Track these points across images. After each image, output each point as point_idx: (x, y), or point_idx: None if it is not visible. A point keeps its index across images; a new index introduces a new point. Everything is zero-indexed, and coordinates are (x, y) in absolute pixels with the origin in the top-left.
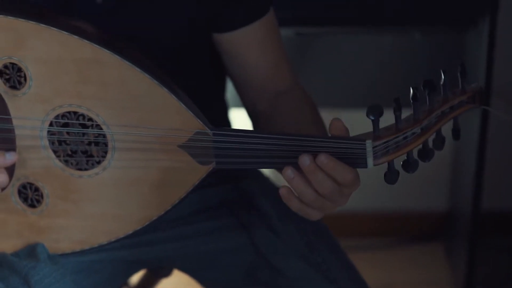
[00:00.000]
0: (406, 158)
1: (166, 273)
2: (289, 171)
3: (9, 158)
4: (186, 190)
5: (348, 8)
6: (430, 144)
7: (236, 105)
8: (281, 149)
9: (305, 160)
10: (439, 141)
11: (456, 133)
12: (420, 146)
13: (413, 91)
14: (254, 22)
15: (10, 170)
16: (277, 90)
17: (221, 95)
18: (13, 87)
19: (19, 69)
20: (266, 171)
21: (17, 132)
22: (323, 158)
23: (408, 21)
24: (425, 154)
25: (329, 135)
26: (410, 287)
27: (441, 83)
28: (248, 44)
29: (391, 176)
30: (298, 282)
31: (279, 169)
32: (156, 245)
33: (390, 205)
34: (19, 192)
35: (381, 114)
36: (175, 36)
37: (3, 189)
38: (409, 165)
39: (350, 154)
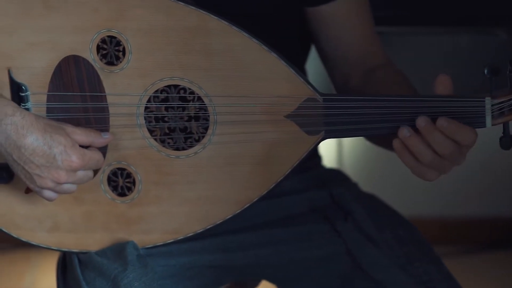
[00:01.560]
0: None
1: (253, 284)
2: (405, 130)
3: (105, 137)
4: (291, 164)
5: (428, 7)
6: None
7: None
8: (395, 112)
9: (421, 121)
10: None
11: None
12: None
13: None
14: None
15: (102, 153)
16: (372, 64)
17: (303, 70)
18: (110, 63)
19: (118, 43)
20: (353, 176)
21: (111, 110)
22: (443, 122)
23: (491, 21)
24: None
25: None
26: None
27: None
28: (345, 16)
29: (506, 140)
30: None
31: (389, 135)
32: (249, 250)
33: (458, 210)
34: (109, 180)
35: (498, 73)
36: (264, 9)
37: (95, 174)
38: None
39: (468, 114)
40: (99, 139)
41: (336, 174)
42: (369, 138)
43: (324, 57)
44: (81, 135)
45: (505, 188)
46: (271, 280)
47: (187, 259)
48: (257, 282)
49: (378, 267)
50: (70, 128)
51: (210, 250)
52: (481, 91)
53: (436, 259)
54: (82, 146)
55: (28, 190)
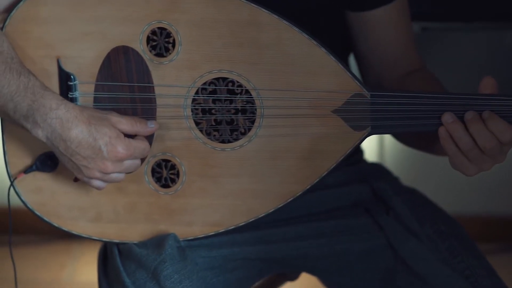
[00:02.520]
0: None
1: (293, 276)
2: (448, 115)
3: (151, 126)
4: (336, 159)
5: (475, 3)
6: None
7: None
8: (441, 109)
9: (468, 113)
10: None
11: None
12: None
13: None
14: (392, 2)
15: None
16: (406, 69)
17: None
18: (159, 54)
19: (168, 34)
20: (394, 171)
21: (158, 102)
22: (485, 113)
23: None
24: None
25: None
26: None
27: None
28: (384, 23)
29: None
30: None
31: (434, 133)
32: (290, 242)
33: (501, 208)
34: (153, 171)
35: None
36: (308, 11)
37: (141, 161)
38: None
39: None
40: (145, 128)
41: (377, 169)
42: (405, 140)
43: (359, 57)
44: (127, 124)
45: None
46: (311, 272)
47: (228, 251)
48: (297, 274)
49: (420, 261)
50: (115, 118)
51: (252, 242)
52: None
53: (479, 254)
54: (128, 135)
55: (76, 179)
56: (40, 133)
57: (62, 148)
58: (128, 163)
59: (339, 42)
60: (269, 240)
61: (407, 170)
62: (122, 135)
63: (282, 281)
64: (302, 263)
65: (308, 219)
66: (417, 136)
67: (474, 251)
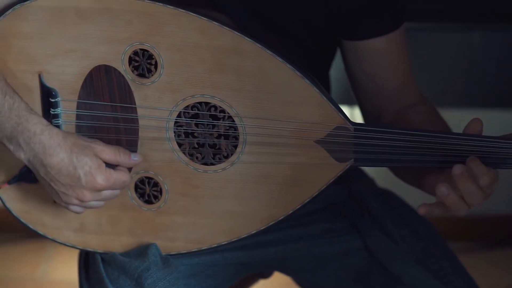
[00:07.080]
0: None
1: (266, 274)
2: (443, 188)
3: (134, 159)
4: (318, 188)
5: (444, 3)
6: None
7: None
8: (426, 147)
9: (456, 167)
10: None
11: None
12: None
13: None
14: (388, 34)
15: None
16: (405, 103)
17: (327, 78)
18: (142, 75)
19: (150, 56)
20: (370, 172)
21: (141, 122)
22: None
23: (503, 17)
24: None
25: None
26: None
27: None
28: (382, 52)
29: None
30: None
31: (418, 167)
32: (270, 247)
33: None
34: (136, 187)
35: None
36: (305, 34)
37: None
38: None
39: (497, 154)
40: (128, 160)
41: (353, 171)
42: (398, 173)
43: (356, 88)
44: (110, 154)
45: None
46: (286, 272)
47: (210, 257)
48: (271, 272)
49: (395, 262)
50: (99, 147)
51: (232, 249)
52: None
53: (452, 255)
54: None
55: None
56: (22, 156)
57: (42, 172)
58: (107, 193)
59: (322, 55)
60: (249, 246)
61: (382, 171)
62: (104, 166)
63: (256, 279)
64: (279, 264)
65: (287, 225)
66: (404, 171)
67: (447, 252)
